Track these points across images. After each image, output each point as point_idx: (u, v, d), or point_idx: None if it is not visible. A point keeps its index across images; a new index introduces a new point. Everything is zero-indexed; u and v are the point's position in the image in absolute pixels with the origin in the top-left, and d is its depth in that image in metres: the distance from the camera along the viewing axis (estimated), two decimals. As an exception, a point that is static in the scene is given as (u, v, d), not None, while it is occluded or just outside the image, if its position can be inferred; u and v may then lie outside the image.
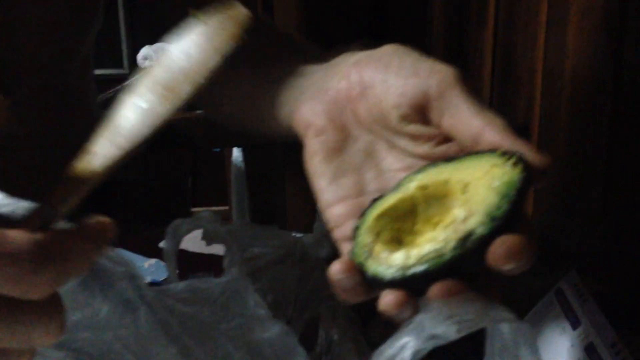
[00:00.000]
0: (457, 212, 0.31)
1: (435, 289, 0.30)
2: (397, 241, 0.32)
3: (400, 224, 0.33)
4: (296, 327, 0.58)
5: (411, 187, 0.34)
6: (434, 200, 0.33)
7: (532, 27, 1.05)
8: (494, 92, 1.20)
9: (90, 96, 0.69)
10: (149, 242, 0.79)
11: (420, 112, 0.36)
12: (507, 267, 0.29)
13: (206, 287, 0.37)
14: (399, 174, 0.36)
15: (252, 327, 0.38)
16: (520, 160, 0.31)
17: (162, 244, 0.54)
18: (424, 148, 0.36)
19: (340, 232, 0.36)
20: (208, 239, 0.65)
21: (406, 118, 0.36)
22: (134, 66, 2.04)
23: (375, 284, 0.32)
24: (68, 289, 0.30)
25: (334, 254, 0.92)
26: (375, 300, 0.31)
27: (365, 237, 0.33)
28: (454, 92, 0.35)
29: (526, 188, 0.30)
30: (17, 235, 0.24)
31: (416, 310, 0.30)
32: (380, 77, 0.37)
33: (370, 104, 0.37)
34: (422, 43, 1.46)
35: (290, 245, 0.81)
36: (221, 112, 0.59)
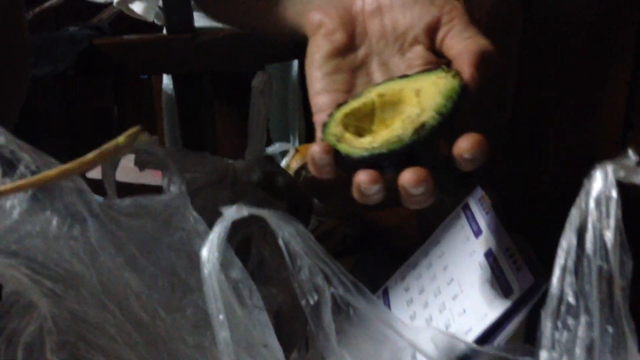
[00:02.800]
0: (412, 109, 0.39)
1: (407, 175, 0.36)
2: (360, 135, 0.40)
3: (361, 123, 0.40)
4: (230, 245, 0.61)
5: (372, 94, 0.41)
6: (389, 106, 0.40)
7: None
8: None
9: (18, 23, 0.67)
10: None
11: (430, 35, 0.42)
12: (468, 156, 0.35)
13: (149, 203, 0.40)
14: None
15: (192, 240, 0.41)
16: (457, 74, 0.39)
17: (90, 174, 0.56)
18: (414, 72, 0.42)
19: (320, 118, 0.42)
20: (141, 164, 0.67)
21: (417, 39, 0.42)
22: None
23: (346, 162, 0.38)
24: (19, 201, 0.32)
25: (264, 179, 0.95)
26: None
27: (335, 127, 0.40)
28: (461, 20, 0.42)
29: (464, 94, 0.38)
30: None
31: (384, 191, 0.37)
32: (399, 2, 0.43)
33: (385, 22, 0.43)
34: None
35: (223, 170, 0.84)
36: (223, 11, 0.61)
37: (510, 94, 0.77)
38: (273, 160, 0.98)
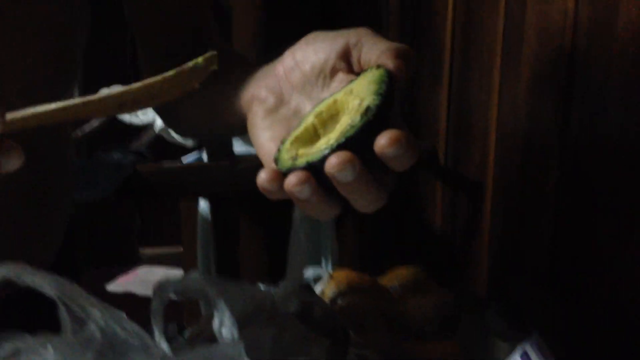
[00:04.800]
0: (353, 102, 0.41)
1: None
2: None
3: (309, 145, 0.43)
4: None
5: (310, 118, 0.44)
6: (330, 120, 0.43)
7: (486, 86, 1.11)
8: (448, 147, 1.25)
9: (66, 151, 0.70)
10: (96, 284, 0.79)
11: (346, 59, 0.46)
12: (392, 153, 0.37)
13: (209, 355, 0.39)
14: None
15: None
16: (381, 66, 0.42)
17: (111, 287, 0.55)
18: None
19: (269, 159, 0.44)
20: (181, 294, 0.66)
21: (335, 67, 0.46)
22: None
23: (315, 170, 0.39)
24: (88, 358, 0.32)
25: (302, 310, 0.94)
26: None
27: (286, 153, 0.42)
28: (369, 36, 0.45)
29: (392, 79, 0.41)
30: None
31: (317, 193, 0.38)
32: (311, 48, 0.47)
33: (304, 69, 0.47)
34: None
35: (261, 300, 0.83)
36: (182, 122, 0.66)
37: (549, 226, 0.77)
38: (311, 289, 0.97)
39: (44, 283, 0.35)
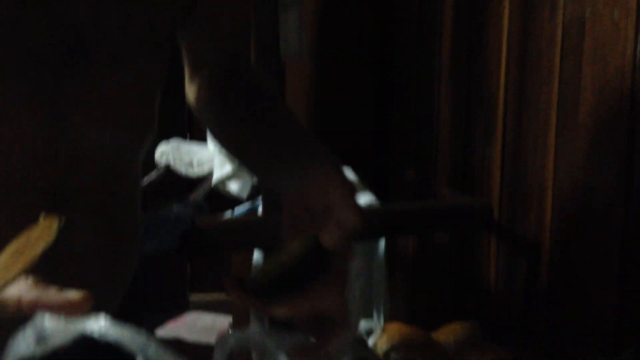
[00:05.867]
0: None
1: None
2: None
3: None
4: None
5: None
6: None
7: (541, 145, 1.10)
8: (502, 205, 1.24)
9: (137, 210, 0.73)
10: (147, 329, 0.81)
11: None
12: None
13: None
14: None
15: None
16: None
17: (160, 332, 0.57)
18: None
19: None
20: (239, 347, 0.67)
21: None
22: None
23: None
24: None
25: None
26: None
27: None
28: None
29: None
30: None
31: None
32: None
33: None
34: (430, 149, 1.51)
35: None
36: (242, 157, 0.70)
37: (614, 289, 0.75)
38: (365, 343, 0.97)
39: (127, 339, 0.37)
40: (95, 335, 0.38)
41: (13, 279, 0.35)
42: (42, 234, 0.36)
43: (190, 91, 0.71)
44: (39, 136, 0.55)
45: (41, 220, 0.37)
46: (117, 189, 0.66)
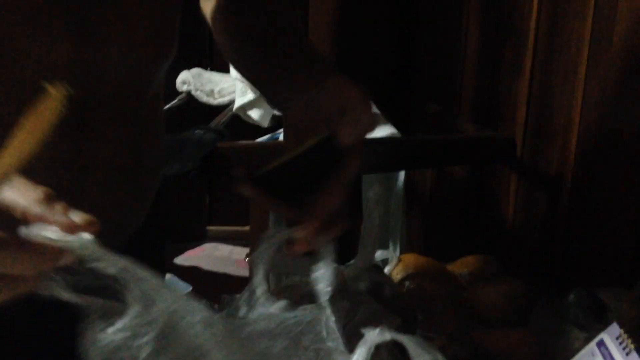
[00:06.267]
0: None
1: None
2: None
3: None
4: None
5: None
6: None
7: (570, 79, 1.08)
8: (526, 140, 1.22)
9: (159, 127, 0.74)
10: (166, 257, 0.83)
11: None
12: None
13: (281, 319, 0.41)
14: None
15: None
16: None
17: (179, 260, 0.57)
18: None
19: None
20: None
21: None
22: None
23: None
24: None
25: (373, 289, 0.94)
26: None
27: None
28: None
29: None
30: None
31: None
32: None
33: None
34: (454, 82, 1.49)
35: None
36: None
37: (636, 224, 0.75)
38: (381, 270, 0.98)
39: (110, 265, 0.36)
40: (78, 253, 0.37)
41: (27, 157, 0.35)
42: (49, 105, 0.36)
43: (205, 4, 0.71)
44: (64, 47, 0.56)
45: (47, 91, 0.36)
46: (140, 104, 0.66)
